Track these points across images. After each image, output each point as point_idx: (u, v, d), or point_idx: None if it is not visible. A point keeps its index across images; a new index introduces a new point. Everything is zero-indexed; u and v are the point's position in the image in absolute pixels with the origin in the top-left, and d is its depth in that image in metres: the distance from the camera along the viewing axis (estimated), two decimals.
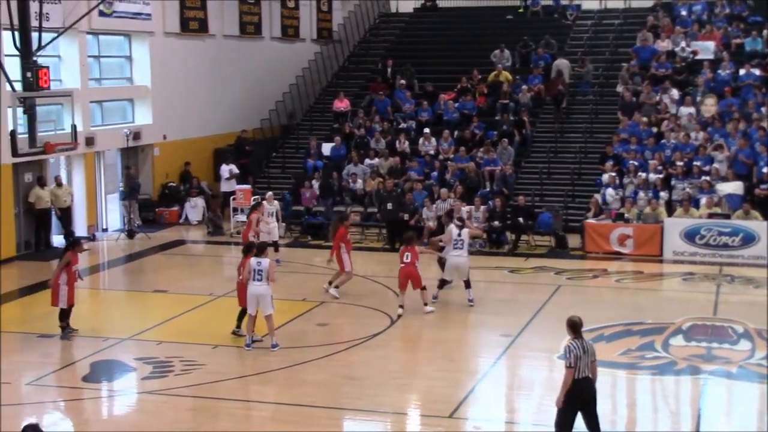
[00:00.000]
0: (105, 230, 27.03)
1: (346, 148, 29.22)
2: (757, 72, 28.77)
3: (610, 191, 25.02)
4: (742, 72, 28.90)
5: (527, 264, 22.74)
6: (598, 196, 24.93)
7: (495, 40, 32.75)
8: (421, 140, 28.73)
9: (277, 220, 23.39)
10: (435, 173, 27.25)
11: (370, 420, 13.49)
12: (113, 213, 27.71)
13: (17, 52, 20.54)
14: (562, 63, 31.17)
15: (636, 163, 25.66)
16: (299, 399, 13.89)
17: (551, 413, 13.56)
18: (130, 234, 26.39)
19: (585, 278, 21.65)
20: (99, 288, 22.11)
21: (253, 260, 16.13)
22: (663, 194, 24.78)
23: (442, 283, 19.25)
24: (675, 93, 28.62)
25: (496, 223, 24.40)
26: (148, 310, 19.46)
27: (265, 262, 16.18)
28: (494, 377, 15.36)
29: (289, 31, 35.47)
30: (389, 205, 25.04)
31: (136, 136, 27.69)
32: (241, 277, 16.57)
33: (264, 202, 22.90)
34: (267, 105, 32.69)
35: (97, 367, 15.51)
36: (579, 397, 11.28)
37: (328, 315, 18.51)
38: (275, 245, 22.46)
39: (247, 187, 27.58)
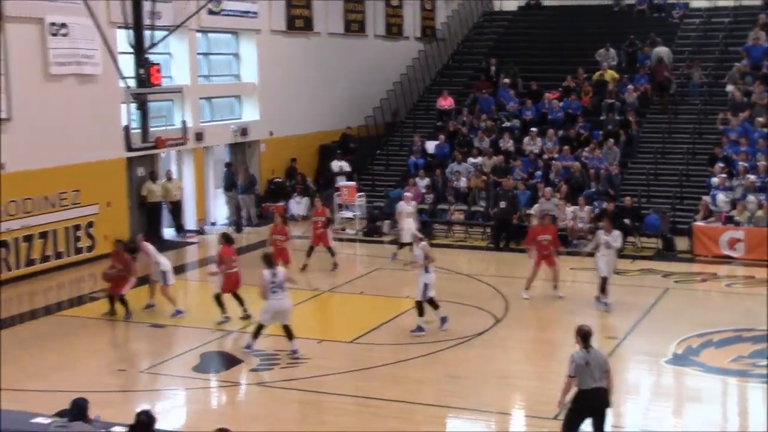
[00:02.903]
0: (213, 224, 27.58)
1: (449, 146, 29.22)
2: None
3: (720, 194, 24.49)
4: None
5: (633, 266, 22.39)
6: (707, 198, 24.42)
7: (600, 39, 32.33)
8: (526, 139, 28.56)
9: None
10: (539, 172, 27.06)
11: (473, 419, 13.50)
12: (221, 207, 28.21)
13: (131, 50, 21.08)
14: (662, 50, 30.74)
15: (746, 165, 25.08)
16: (402, 396, 13.95)
17: (658, 418, 13.49)
18: (238, 228, 26.90)
19: (693, 282, 21.26)
20: (207, 280, 22.53)
21: (266, 272, 15.56)
22: None
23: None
24: None
25: (602, 224, 24.03)
26: (255, 303, 19.72)
27: (281, 273, 15.76)
28: None
29: (393, 30, 35.63)
30: (502, 204, 24.92)
31: (244, 132, 28.19)
32: (222, 266, 17.64)
33: (401, 202, 22.79)
34: (371, 102, 32.90)
35: (206, 358, 15.85)
36: (588, 407, 11.27)
37: (431, 313, 18.52)
38: (403, 245, 22.35)
39: (352, 183, 27.82)
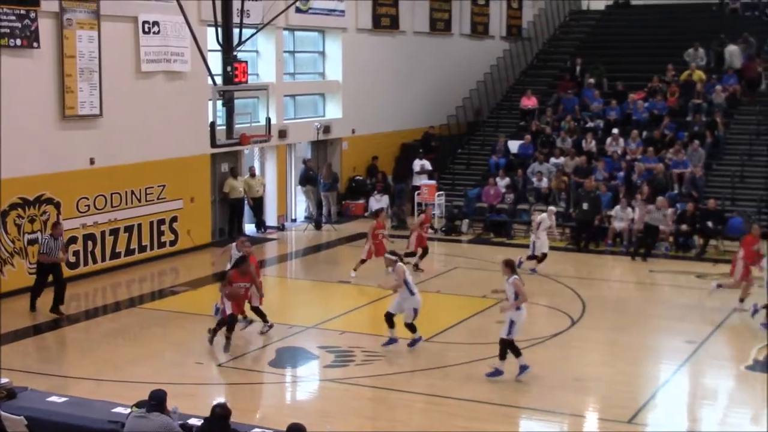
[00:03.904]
0: (294, 221, 27.96)
1: (532, 146, 29.11)
2: None
3: None
4: None
5: (715, 269, 22.01)
6: None
7: (689, 38, 31.83)
8: (608, 140, 28.29)
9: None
10: (621, 174, 26.77)
11: (546, 420, 13.49)
12: (302, 204, 28.57)
13: (219, 48, 21.48)
14: (732, 49, 30.38)
15: None
16: (476, 395, 13.99)
17: (736, 425, 13.29)
18: (317, 225, 27.22)
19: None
20: (286, 277, 22.90)
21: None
22: None
23: None
24: None
25: (685, 226, 23.77)
26: (332, 300, 20.03)
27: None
28: (677, 384, 15.05)
29: (479, 28, 35.59)
30: (585, 205, 24.73)
31: (326, 129, 28.48)
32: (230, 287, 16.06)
33: (543, 215, 22.28)
34: (454, 101, 32.94)
35: (282, 353, 16.11)
36: None
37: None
38: (541, 257, 21.97)
39: (432, 182, 27.90)
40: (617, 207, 24.48)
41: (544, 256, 21.69)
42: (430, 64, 32.66)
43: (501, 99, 33.99)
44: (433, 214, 26.68)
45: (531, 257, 21.66)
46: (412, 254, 21.80)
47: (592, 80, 31.34)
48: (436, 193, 27.30)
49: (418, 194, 27.49)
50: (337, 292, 20.54)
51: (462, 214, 26.77)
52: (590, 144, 28.45)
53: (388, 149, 31.09)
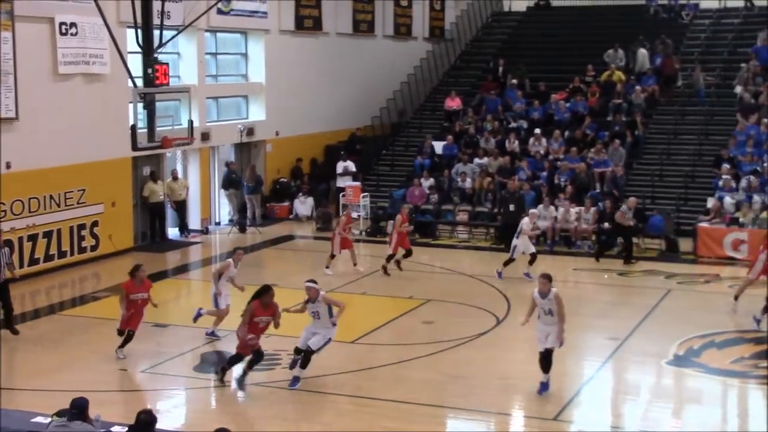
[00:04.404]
0: (218, 224, 27.70)
1: (456, 146, 29.26)
2: None
3: (727, 195, 24.49)
4: None
5: (637, 267, 22.41)
6: (711, 200, 24.41)
7: (609, 39, 32.30)
8: (531, 140, 28.58)
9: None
10: (544, 173, 27.07)
11: (474, 420, 13.53)
12: (226, 207, 28.29)
13: (139, 50, 21.17)
14: (642, 52, 31.23)
15: (753, 167, 25.09)
16: (403, 396, 13.98)
17: (659, 420, 13.49)
18: (242, 228, 26.99)
19: (696, 283, 21.24)
20: (210, 280, 22.58)
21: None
22: None
23: None
24: None
25: (606, 224, 24.10)
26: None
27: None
28: (601, 381, 15.23)
29: (402, 30, 35.66)
30: (511, 206, 24.92)
31: (250, 132, 28.27)
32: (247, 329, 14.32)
33: (525, 219, 21.58)
34: (378, 103, 32.96)
35: (207, 358, 15.92)
36: None
37: (434, 313, 18.58)
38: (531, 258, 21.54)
39: (357, 184, 27.88)
40: (540, 206, 24.71)
41: (534, 256, 21.27)
42: (354, 66, 32.64)
43: (425, 100, 34.12)
44: (358, 215, 26.70)
45: (508, 262, 21.30)
46: (392, 256, 21.63)
47: (514, 81, 31.64)
48: (361, 195, 27.28)
49: (343, 196, 27.44)
50: None
51: (387, 215, 26.78)
52: (513, 144, 28.71)
53: (313, 151, 31.00)
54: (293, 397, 14.17)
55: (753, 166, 25.41)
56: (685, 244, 23.83)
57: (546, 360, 14.11)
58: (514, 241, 21.24)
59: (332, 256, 21.97)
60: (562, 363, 15.90)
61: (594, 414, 13.78)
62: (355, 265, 21.94)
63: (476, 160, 28.14)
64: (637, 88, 29.85)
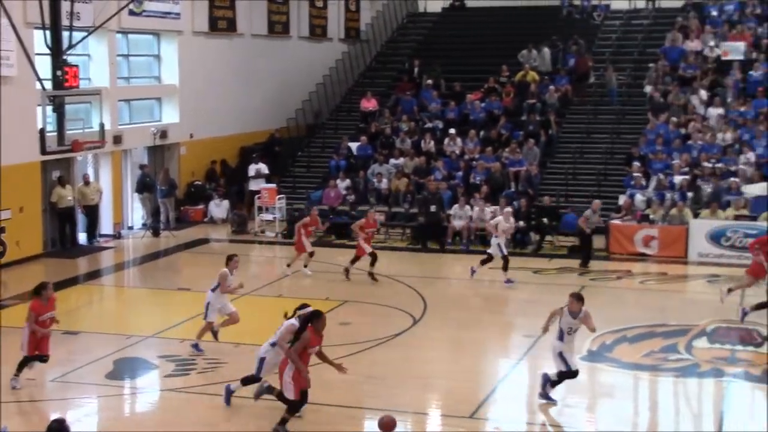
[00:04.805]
0: (131, 228, 27.26)
1: (372, 147, 29.27)
2: None
3: (638, 193, 24.94)
4: None
5: (551, 265, 22.70)
6: (624, 197, 24.83)
7: (523, 40, 32.65)
8: (446, 140, 28.74)
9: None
10: (460, 173, 27.24)
11: None
12: (140, 211, 27.85)
13: (48, 51, 20.71)
14: (545, 51, 31.74)
15: (663, 165, 25.63)
16: (321, 398, 13.86)
17: (573, 415, 13.65)
18: (155, 232, 26.60)
19: (609, 279, 21.59)
20: (123, 286, 22.28)
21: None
22: (689, 195, 24.66)
23: None
24: (703, 94, 28.45)
25: (521, 223, 24.35)
26: (172, 308, 19.58)
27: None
28: (516, 378, 15.36)
29: (317, 31, 35.57)
30: (433, 207, 24.95)
31: (163, 134, 27.88)
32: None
33: (500, 217, 21.57)
34: (294, 104, 32.82)
35: (120, 365, 15.63)
36: None
37: (350, 314, 18.53)
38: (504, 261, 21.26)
39: (272, 186, 27.70)
40: (456, 206, 24.87)
41: (506, 259, 21.09)
42: (269, 67, 32.43)
43: (340, 101, 34.07)
44: (273, 218, 26.55)
45: (487, 260, 21.18)
46: (356, 260, 21.38)
47: (430, 81, 31.77)
48: (277, 197, 27.11)
49: (258, 198, 27.24)
50: (178, 300, 20.10)
51: (303, 217, 26.60)
52: (429, 144, 28.84)
53: (229, 153, 30.71)
54: (210, 402, 13.99)
55: (663, 163, 25.91)
56: (598, 241, 24.17)
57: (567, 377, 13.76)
58: (493, 240, 21.14)
59: (310, 254, 21.83)
60: (478, 361, 16.06)
61: (510, 411, 13.89)
62: (288, 266, 21.80)
63: (392, 161, 28.20)
64: (551, 88, 30.22)
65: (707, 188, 24.67)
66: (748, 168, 25.08)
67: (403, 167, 27.78)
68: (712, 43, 30.50)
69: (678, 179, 25.12)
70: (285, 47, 33.62)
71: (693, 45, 30.75)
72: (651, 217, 23.92)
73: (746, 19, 31.87)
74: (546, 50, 31.97)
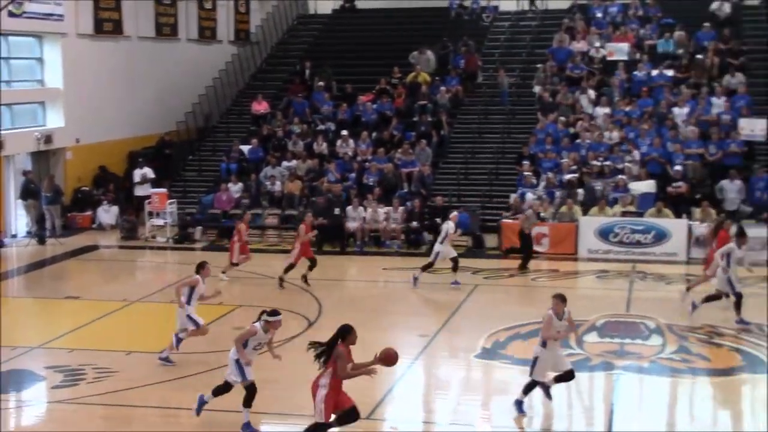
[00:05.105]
0: (14, 236, 26.41)
1: (263, 150, 29.02)
2: (669, 73, 29.38)
3: (528, 191, 25.29)
4: (654, 72, 29.46)
5: (445, 264, 22.79)
6: (514, 196, 25.15)
7: (414, 41, 32.80)
8: (339, 142, 28.68)
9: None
10: (353, 175, 27.21)
11: (287, 423, 13.39)
12: (24, 218, 27.03)
13: None
14: (429, 54, 31.80)
15: (552, 163, 26.07)
16: (214, 404, 13.63)
17: (468, 413, 13.72)
18: (41, 240, 25.83)
19: (502, 277, 21.81)
20: (8, 295, 21.55)
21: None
22: (579, 193, 25.13)
23: None
24: (591, 93, 29.03)
25: (414, 223, 24.45)
26: (60, 317, 19.04)
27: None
28: (412, 378, 15.35)
29: (206, 33, 35.11)
30: (336, 210, 24.84)
31: (48, 139, 27.11)
32: None
33: (450, 222, 21.04)
34: (184, 107, 32.27)
35: (5, 377, 15.08)
36: None
37: (245, 318, 18.20)
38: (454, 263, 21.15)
39: (163, 191, 27.20)
40: (349, 207, 24.83)
41: (456, 261, 20.89)
42: (158, 69, 31.87)
43: (231, 104, 33.70)
44: (164, 223, 26.09)
45: (428, 266, 20.89)
46: (292, 266, 20.81)
47: (321, 83, 31.66)
48: (167, 201, 26.63)
49: (149, 203, 26.72)
50: (66, 309, 19.55)
51: (195, 222, 26.29)
52: (321, 146, 28.74)
53: (117, 158, 30.06)
54: (100, 412, 13.63)
55: (552, 162, 26.34)
56: (490, 240, 24.44)
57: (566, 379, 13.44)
58: (437, 247, 20.85)
59: (233, 264, 21.37)
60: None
61: (406, 411, 13.87)
62: (223, 272, 21.34)
63: (285, 163, 28.01)
64: (442, 88, 30.44)
65: (595, 186, 25.18)
66: (633, 166, 25.70)
67: (296, 170, 27.63)
68: (597, 44, 31.17)
69: (567, 177, 25.56)
70: (173, 49, 33.09)
71: (579, 46, 31.36)
72: (541, 215, 24.26)
73: (629, 20, 32.66)
74: (429, 52, 32.15)
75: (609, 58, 30.66)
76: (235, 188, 27.13)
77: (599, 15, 33.24)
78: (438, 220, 24.51)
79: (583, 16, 33.12)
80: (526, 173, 25.88)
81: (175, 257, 24.36)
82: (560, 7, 35.15)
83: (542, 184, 25.67)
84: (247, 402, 12.96)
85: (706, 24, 31.05)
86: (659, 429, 12.81)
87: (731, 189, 24.68)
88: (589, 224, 23.73)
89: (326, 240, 24.75)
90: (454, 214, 21.78)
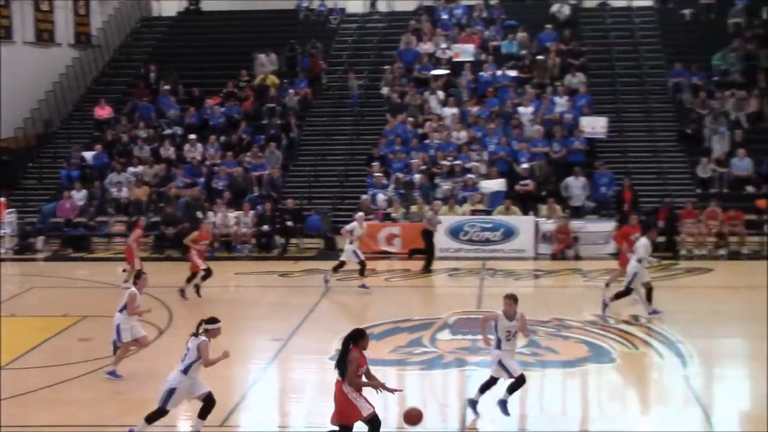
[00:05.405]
0: None
1: (108, 155, 28.20)
2: (512, 73, 30.01)
3: (379, 192, 25.38)
4: (499, 73, 30.04)
5: (297, 267, 22.68)
6: (365, 197, 25.20)
7: (262, 44, 32.50)
8: (186, 146, 28.16)
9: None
10: (202, 179, 26.74)
11: None
12: None
13: None
14: (263, 58, 31.74)
15: (402, 164, 26.25)
16: (61, 419, 13.14)
17: (323, 415, 13.55)
18: None
19: (355, 279, 21.76)
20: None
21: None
22: (428, 192, 25.36)
23: None
24: (441, 94, 29.38)
25: (266, 227, 24.21)
26: None
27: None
28: (266, 382, 15.15)
29: (44, 36, 33.85)
30: (199, 214, 24.29)
31: None
32: None
33: (354, 223, 20.70)
34: (22, 113, 31.04)
35: None
36: None
37: (91, 329, 17.67)
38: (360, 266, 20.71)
39: (1, 200, 26.05)
40: (198, 212, 24.36)
41: (363, 264, 20.51)
42: None
43: (73, 109, 32.67)
44: (3, 233, 25.03)
45: (339, 266, 20.56)
46: (193, 277, 19.84)
47: (167, 87, 31.05)
48: (6, 211, 25.55)
49: None
50: None
51: (36, 231, 25.30)
52: (169, 151, 28.19)
53: None
54: None
55: (402, 162, 26.50)
56: (343, 242, 24.32)
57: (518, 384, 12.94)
58: (348, 247, 20.49)
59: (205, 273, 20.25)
60: (228, 368, 15.66)
61: (261, 416, 13.64)
62: (126, 281, 20.37)
63: (131, 169, 27.31)
64: (291, 91, 30.27)
65: (445, 185, 25.47)
66: (481, 165, 26.12)
67: (143, 175, 26.95)
68: (444, 45, 31.59)
69: (417, 177, 25.77)
70: (9, 53, 31.70)
71: (426, 47, 31.72)
72: (393, 215, 24.39)
73: (474, 22, 33.24)
74: (274, 55, 31.93)
75: (455, 59, 31.09)
76: (79, 196, 26.28)
77: (445, 17, 33.73)
78: (289, 223, 24.40)
79: (429, 17, 33.52)
80: (376, 174, 25.97)
81: (16, 269, 23.39)
82: (407, 9, 35.48)
83: (392, 184, 25.79)
84: (152, 418, 12.35)
85: (548, 26, 31.89)
86: (511, 422, 12.96)
87: (576, 186, 25.37)
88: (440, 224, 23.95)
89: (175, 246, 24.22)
90: (360, 214, 21.66)
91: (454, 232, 23.92)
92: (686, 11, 33.31)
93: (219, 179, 26.55)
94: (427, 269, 22.33)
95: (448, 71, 30.38)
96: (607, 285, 18.92)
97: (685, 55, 30.55)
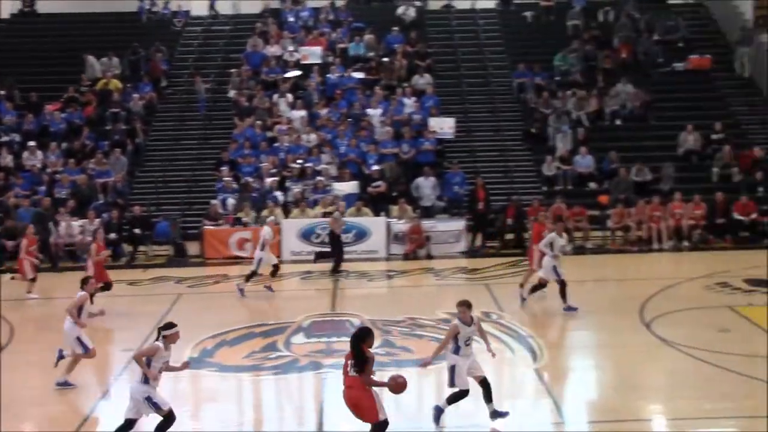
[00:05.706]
0: None
1: None
2: (359, 75, 30.13)
3: (229, 197, 25.03)
4: (346, 75, 30.09)
5: (146, 275, 22.15)
6: (215, 202, 24.84)
7: (103, 47, 31.62)
8: (25, 154, 27.12)
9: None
10: (43, 188, 25.79)
11: None
12: None
13: None
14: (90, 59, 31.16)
15: (252, 168, 25.98)
16: None
17: (179, 423, 13.22)
18: None
19: (206, 285, 21.47)
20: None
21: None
22: (279, 196, 25.18)
23: None
24: (289, 97, 29.21)
25: (113, 235, 23.54)
26: None
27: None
28: (117, 393, 14.66)
29: None
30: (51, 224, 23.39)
31: None
32: None
33: (267, 228, 20.40)
34: None
35: None
36: None
37: None
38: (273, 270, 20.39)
39: None
40: (49, 222, 23.47)
41: (276, 268, 20.17)
42: None
43: None
44: None
45: (252, 275, 19.91)
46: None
47: (2, 92, 29.82)
48: None
49: None
50: None
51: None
52: (6, 159, 27.12)
53: None
54: None
55: (252, 166, 26.21)
56: (193, 248, 24.01)
57: (489, 387, 12.62)
58: (258, 254, 19.94)
59: (32, 280, 20.05)
60: (76, 380, 15.14)
61: (114, 426, 13.18)
62: (29, 292, 20.10)
63: None
64: (135, 95, 29.56)
65: (295, 188, 25.34)
66: (332, 167, 26.09)
67: None
68: (291, 48, 31.44)
69: (268, 181, 25.55)
70: None
71: (273, 50, 31.50)
72: (243, 219, 24.10)
73: (321, 24, 33.18)
74: (115, 58, 31.18)
75: (303, 62, 30.99)
76: None
77: (291, 19, 33.57)
78: (137, 230, 23.80)
79: (275, 20, 33.30)
80: (225, 179, 25.62)
81: None
82: (252, 11, 35.14)
83: (243, 188, 25.50)
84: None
85: (395, 28, 32.15)
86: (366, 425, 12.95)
87: (426, 186, 25.64)
88: (291, 227, 23.86)
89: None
90: (271, 219, 21.37)
91: (306, 235, 23.83)
92: (528, 13, 34.18)
93: (61, 187, 25.67)
94: (336, 270, 22.15)
95: (300, 72, 30.28)
96: (521, 285, 19.20)
97: (528, 56, 31.34)
